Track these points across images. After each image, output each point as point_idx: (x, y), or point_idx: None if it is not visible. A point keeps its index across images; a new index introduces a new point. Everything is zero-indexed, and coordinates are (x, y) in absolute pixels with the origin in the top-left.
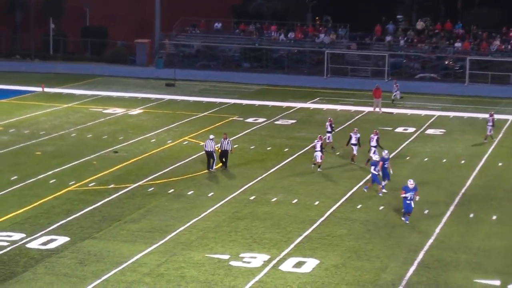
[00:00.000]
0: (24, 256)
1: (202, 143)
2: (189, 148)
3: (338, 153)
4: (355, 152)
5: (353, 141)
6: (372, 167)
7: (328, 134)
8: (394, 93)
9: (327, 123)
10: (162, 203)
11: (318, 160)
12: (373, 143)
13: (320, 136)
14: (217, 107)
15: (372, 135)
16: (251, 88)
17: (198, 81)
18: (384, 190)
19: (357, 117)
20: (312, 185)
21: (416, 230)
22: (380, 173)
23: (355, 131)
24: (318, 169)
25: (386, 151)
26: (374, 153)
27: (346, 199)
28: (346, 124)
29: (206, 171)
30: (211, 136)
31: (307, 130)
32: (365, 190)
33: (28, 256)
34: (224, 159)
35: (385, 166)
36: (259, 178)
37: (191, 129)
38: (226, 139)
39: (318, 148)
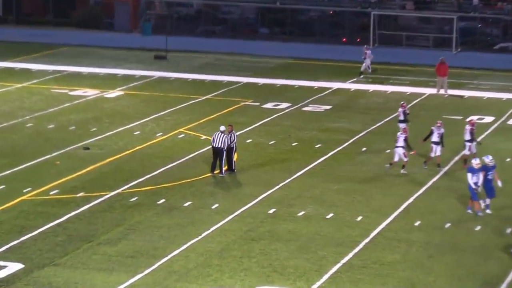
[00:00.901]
0: None
1: (203, 137)
2: (186, 143)
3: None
4: (438, 153)
5: (435, 138)
6: (469, 176)
7: (402, 125)
8: (364, 64)
9: (400, 110)
10: (149, 218)
11: (396, 159)
12: (467, 136)
13: (404, 128)
14: (224, 87)
15: (467, 126)
16: (270, 62)
17: (199, 52)
18: (488, 211)
19: (414, 101)
20: (353, 193)
21: (495, 256)
22: (479, 186)
23: (438, 125)
24: (402, 171)
25: (489, 157)
26: (469, 150)
27: (400, 214)
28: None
29: (210, 174)
30: (222, 128)
31: (347, 119)
32: (469, 211)
33: None
34: (230, 159)
35: (489, 177)
36: (281, 185)
37: (189, 118)
38: (231, 132)
39: (401, 143)
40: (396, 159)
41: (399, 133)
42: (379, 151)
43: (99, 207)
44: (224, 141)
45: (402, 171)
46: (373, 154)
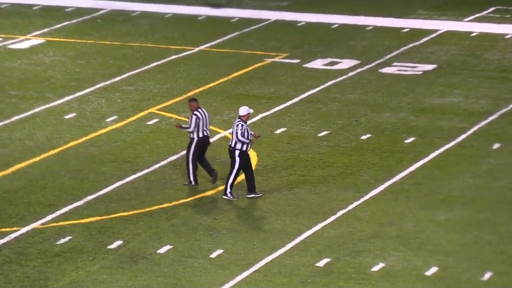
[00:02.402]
0: None
1: (184, 120)
2: (162, 136)
3: None
4: None
5: None
6: None
7: None
8: None
9: None
10: (93, 275)
11: None
12: None
13: None
14: (234, 30)
15: None
16: None
17: None
18: None
19: None
20: (476, 229)
21: None
22: None
23: None
24: None
25: None
26: None
27: None
28: None
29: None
30: (244, 111)
31: (464, 90)
32: None
33: None
34: (206, 161)
35: None
36: (340, 213)
37: (168, 89)
38: (198, 110)
39: None
40: None
41: None
42: None
43: None
44: (238, 133)
45: None
46: None
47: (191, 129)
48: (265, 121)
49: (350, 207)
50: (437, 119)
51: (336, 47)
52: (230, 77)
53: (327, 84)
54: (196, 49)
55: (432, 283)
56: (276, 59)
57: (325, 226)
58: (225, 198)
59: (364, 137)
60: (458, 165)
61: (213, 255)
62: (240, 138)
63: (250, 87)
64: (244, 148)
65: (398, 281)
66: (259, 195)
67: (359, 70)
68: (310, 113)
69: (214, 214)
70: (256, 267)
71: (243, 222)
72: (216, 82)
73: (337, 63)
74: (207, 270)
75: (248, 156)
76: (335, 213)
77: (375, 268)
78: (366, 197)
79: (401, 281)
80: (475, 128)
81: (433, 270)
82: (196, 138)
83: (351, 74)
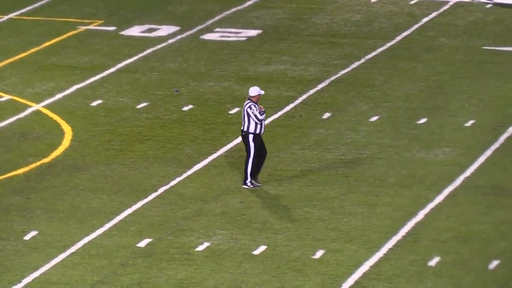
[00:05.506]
0: None
1: (5, 97)
2: None
3: None
4: None
5: None
6: None
7: None
8: None
9: None
10: None
11: None
12: None
13: None
14: None
15: None
16: None
17: None
18: None
19: (432, 14)
20: (308, 205)
21: None
22: None
23: None
24: None
25: None
26: None
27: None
28: None
29: (19, 172)
30: (254, 92)
31: (292, 57)
32: None
33: None
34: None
35: None
36: (162, 190)
37: None
38: None
39: None
40: None
41: None
42: (359, 120)
43: None
44: (256, 114)
45: None
46: (345, 125)
47: None
48: (80, 93)
49: (172, 183)
50: (263, 88)
51: (154, 12)
52: (42, 46)
53: (145, 53)
54: (5, 17)
55: (260, 262)
56: (90, 27)
57: (145, 204)
58: (246, 188)
59: (185, 108)
60: (286, 136)
61: (27, 237)
62: (260, 117)
63: (63, 57)
64: (258, 131)
65: (224, 261)
66: (260, 185)
67: (179, 37)
68: (128, 83)
69: (27, 193)
70: (73, 249)
71: (58, 201)
72: (27, 52)
73: (155, 29)
74: (21, 253)
75: (262, 140)
76: (156, 190)
77: (200, 248)
78: (189, 172)
79: (227, 261)
80: (304, 96)
81: (262, 249)
82: None
83: (170, 41)
